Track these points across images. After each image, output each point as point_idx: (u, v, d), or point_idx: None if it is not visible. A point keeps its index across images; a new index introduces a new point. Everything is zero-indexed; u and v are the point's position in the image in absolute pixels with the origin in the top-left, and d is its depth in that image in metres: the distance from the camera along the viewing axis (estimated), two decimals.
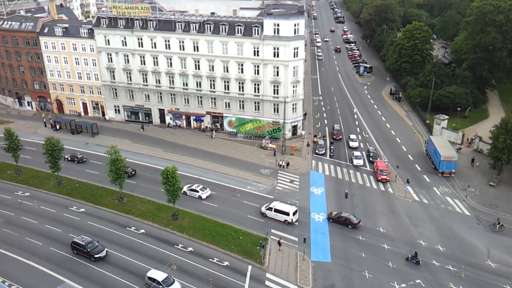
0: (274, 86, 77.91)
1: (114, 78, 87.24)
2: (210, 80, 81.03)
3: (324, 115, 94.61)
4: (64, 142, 65.32)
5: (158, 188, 58.39)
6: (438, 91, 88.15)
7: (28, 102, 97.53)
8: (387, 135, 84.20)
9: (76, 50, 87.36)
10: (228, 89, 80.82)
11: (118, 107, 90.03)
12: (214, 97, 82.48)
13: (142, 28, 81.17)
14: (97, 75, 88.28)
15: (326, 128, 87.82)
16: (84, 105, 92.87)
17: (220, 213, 58.48)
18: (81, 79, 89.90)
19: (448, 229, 56.18)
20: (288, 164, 71.60)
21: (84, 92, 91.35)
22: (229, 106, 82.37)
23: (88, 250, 49.42)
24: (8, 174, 68.92)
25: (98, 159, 72.35)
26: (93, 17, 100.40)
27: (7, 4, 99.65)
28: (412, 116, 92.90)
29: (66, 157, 70.70)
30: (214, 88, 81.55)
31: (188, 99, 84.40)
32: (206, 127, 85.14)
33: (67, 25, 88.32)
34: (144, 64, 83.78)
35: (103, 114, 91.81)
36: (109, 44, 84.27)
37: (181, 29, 78.99)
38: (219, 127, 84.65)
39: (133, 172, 68.29)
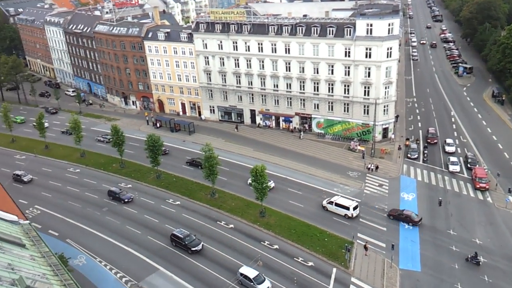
0: (365, 87, 76.62)
1: (210, 80, 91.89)
2: (300, 82, 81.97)
3: (418, 117, 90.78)
4: (163, 139, 70.15)
5: (247, 185, 60.67)
6: None
7: (133, 102, 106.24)
8: (488, 141, 78.53)
9: (176, 53, 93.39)
10: (317, 90, 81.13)
11: (213, 107, 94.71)
12: (303, 98, 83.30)
13: (237, 32, 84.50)
14: (195, 77, 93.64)
15: (420, 131, 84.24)
16: (183, 105, 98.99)
17: (306, 213, 59.21)
18: (180, 80, 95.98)
19: None
20: (377, 167, 70.08)
21: (182, 93, 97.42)
22: (318, 108, 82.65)
23: (186, 243, 52.17)
24: (114, 167, 75.79)
25: (194, 156, 76.84)
26: (192, 22, 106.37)
27: (117, 11, 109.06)
28: None
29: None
30: (303, 89, 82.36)
31: (278, 100, 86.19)
32: (295, 127, 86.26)
33: (169, 30, 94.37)
34: (238, 66, 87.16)
35: (199, 114, 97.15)
36: (206, 47, 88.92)
37: (274, 32, 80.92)
38: (307, 128, 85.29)
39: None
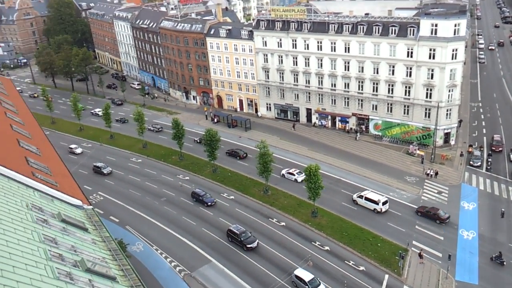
0: (427, 90, 74.12)
1: (268, 78, 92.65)
2: (359, 82, 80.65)
3: (483, 123, 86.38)
4: (221, 134, 71.78)
5: (300, 184, 60.72)
6: None
7: (193, 96, 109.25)
8: None
9: (236, 50, 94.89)
10: (376, 91, 79.49)
11: (270, 105, 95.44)
12: (361, 99, 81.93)
13: (297, 30, 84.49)
14: (253, 74, 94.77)
15: (485, 138, 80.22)
16: (240, 101, 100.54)
17: (359, 216, 58.46)
18: (239, 77, 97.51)
19: None
20: (437, 173, 67.70)
21: (241, 90, 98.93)
22: (376, 109, 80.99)
23: (242, 239, 52.82)
24: (173, 159, 78.65)
25: (249, 152, 78.06)
26: (253, 19, 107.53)
27: (182, 8, 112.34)
28: None
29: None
30: (362, 89, 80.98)
31: (335, 100, 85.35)
32: (351, 128, 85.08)
33: (230, 27, 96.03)
34: (296, 64, 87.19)
35: (256, 111, 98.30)
36: (266, 45, 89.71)
37: (334, 30, 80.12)
38: (364, 129, 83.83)
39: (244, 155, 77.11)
